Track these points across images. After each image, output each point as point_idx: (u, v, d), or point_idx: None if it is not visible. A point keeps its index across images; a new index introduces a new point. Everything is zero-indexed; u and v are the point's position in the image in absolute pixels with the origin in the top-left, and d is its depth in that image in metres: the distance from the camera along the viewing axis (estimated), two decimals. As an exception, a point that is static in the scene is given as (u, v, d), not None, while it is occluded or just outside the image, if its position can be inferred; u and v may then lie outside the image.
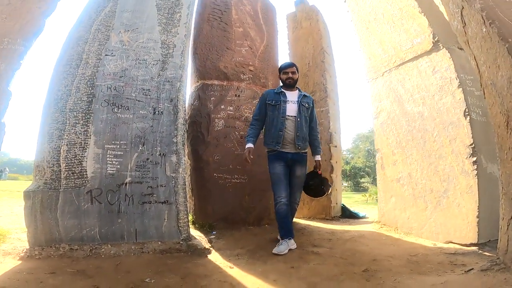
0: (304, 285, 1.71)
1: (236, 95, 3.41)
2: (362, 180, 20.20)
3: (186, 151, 3.03)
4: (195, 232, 2.65)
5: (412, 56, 2.76)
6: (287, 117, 2.48)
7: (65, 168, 2.09)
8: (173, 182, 2.35)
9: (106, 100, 2.33)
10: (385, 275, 1.80)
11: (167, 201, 2.29)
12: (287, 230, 2.36)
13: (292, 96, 2.57)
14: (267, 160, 2.53)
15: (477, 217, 2.15)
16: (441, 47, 2.55)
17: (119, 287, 1.54)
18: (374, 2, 3.11)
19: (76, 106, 2.25)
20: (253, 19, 3.69)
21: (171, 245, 2.17)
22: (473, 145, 2.25)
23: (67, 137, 2.16)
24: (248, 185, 3.15)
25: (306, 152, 2.56)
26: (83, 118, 2.23)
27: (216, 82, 3.40)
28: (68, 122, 2.20)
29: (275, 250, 2.21)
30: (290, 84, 2.58)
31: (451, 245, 2.31)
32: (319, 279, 1.79)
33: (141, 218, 2.20)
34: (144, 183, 2.26)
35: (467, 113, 2.32)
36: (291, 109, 2.51)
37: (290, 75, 2.58)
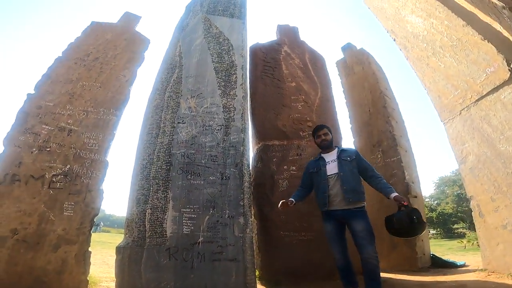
0: None
1: (297, 154, 3.69)
2: (455, 226, 19.08)
3: (253, 212, 3.24)
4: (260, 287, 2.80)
5: (490, 88, 2.75)
6: (328, 177, 2.63)
7: (149, 228, 2.58)
8: (241, 241, 2.64)
9: (181, 168, 2.88)
10: None
11: (235, 259, 2.61)
12: (347, 280, 2.46)
13: (330, 157, 2.74)
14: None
15: None
16: None
17: None
18: (428, 36, 3.30)
19: (157, 174, 2.83)
20: (303, 72, 4.13)
21: (239, 302, 2.30)
22: None
23: (151, 202, 2.70)
24: (316, 241, 3.26)
25: (361, 207, 2.49)
26: (163, 185, 2.79)
27: (276, 142, 3.77)
28: (151, 188, 2.77)
29: None
30: (326, 146, 2.79)
31: None
32: None
33: (211, 274, 2.55)
34: (215, 242, 2.64)
35: None
36: (332, 168, 2.66)
37: (323, 137, 2.79)
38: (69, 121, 2.67)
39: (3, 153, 2.35)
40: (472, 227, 17.35)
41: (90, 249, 2.48)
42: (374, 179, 2.58)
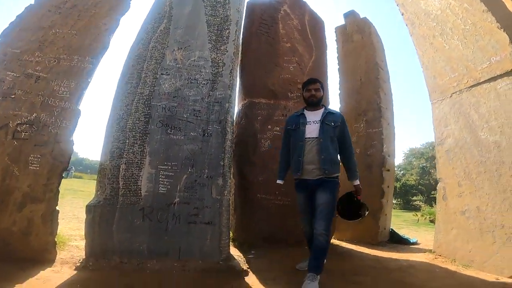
0: None
1: (283, 114, 3.52)
2: (414, 198, 19.60)
3: (232, 170, 3.18)
4: (234, 251, 2.84)
5: (489, 76, 2.58)
6: (306, 140, 2.34)
7: (123, 186, 2.41)
8: (218, 204, 2.55)
9: (161, 121, 2.61)
10: None
11: (211, 222, 2.51)
12: (313, 264, 2.15)
13: (314, 116, 2.41)
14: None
15: None
16: None
17: None
18: (441, 16, 2.98)
19: (134, 126, 2.55)
20: (300, 34, 3.79)
21: (211, 265, 2.39)
22: None
23: (126, 156, 2.47)
24: (291, 207, 3.25)
25: (334, 178, 2.32)
26: (140, 138, 2.53)
27: (263, 100, 3.54)
28: (127, 141, 2.51)
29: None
30: (313, 103, 2.44)
31: None
32: None
33: (186, 237, 2.45)
34: (191, 204, 2.50)
35: (557, 147, 2.04)
36: (312, 130, 2.35)
37: (313, 92, 2.43)
38: (37, 68, 2.27)
39: None
40: (428, 201, 18.52)
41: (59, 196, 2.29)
42: (347, 154, 2.39)
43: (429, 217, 8.94)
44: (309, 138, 2.33)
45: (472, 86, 2.71)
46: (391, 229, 4.10)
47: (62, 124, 2.29)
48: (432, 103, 3.16)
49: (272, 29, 3.63)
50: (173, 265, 2.29)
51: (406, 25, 3.33)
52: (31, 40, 2.33)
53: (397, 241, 3.92)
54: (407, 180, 20.30)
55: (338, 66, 4.60)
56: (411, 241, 3.98)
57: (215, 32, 3.01)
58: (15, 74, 2.21)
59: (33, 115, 2.20)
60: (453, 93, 2.89)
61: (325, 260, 2.23)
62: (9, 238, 2.05)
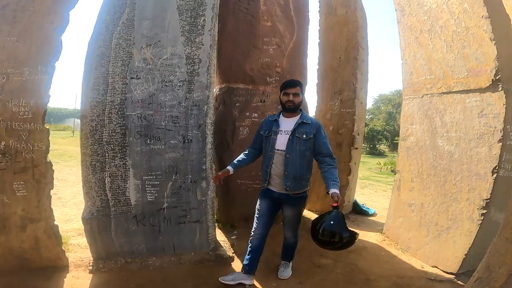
0: None
1: (261, 100, 3.43)
2: (380, 143, 20.27)
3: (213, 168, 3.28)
4: (218, 233, 3.15)
5: (462, 88, 2.54)
6: (275, 151, 2.18)
7: (112, 197, 2.44)
8: (203, 204, 2.73)
9: (139, 132, 2.49)
10: None
11: (199, 220, 2.72)
12: (250, 264, 2.26)
13: (287, 125, 2.20)
14: None
15: (465, 255, 2.51)
16: (500, 89, 2.31)
17: None
18: (434, 11, 2.66)
19: (111, 139, 2.42)
20: (283, 10, 3.36)
21: (202, 255, 2.71)
22: (489, 200, 2.40)
23: (108, 170, 2.42)
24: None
25: (301, 193, 2.24)
26: (120, 151, 2.44)
27: (241, 85, 3.40)
28: (107, 155, 2.41)
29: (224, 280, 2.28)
30: (290, 109, 2.20)
31: (435, 270, 2.73)
32: None
33: (178, 235, 2.67)
34: (179, 207, 2.64)
35: (495, 171, 2.35)
36: (282, 142, 2.17)
37: (291, 97, 2.15)
38: None
39: None
40: (392, 147, 19.29)
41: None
42: (325, 166, 2.12)
43: (391, 167, 9.89)
44: (278, 150, 2.17)
45: (443, 93, 2.69)
46: (354, 200, 4.56)
47: (34, 147, 2.13)
48: (403, 99, 3.16)
49: (252, 5, 3.15)
50: (171, 259, 2.58)
51: (395, 10, 3.04)
52: None
53: (358, 212, 4.43)
54: (375, 125, 20.62)
55: (318, 40, 4.25)
56: (370, 213, 4.48)
57: (188, 20, 2.58)
58: (-38, 100, 1.86)
59: (2, 144, 2.01)
60: (425, 94, 2.87)
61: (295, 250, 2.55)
62: (23, 254, 2.20)
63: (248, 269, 2.29)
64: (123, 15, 2.41)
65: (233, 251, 2.92)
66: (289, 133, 2.17)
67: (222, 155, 3.43)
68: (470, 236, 2.50)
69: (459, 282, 2.50)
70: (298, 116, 2.22)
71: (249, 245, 2.32)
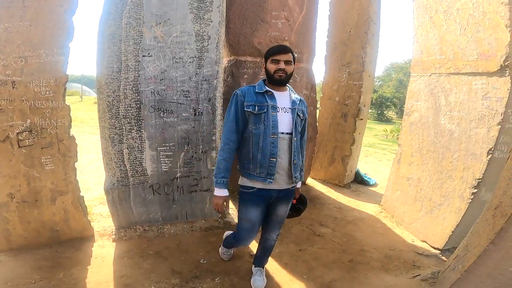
0: (305, 269, 2.44)
1: (269, 72, 3.46)
2: (388, 110, 20.11)
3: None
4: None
5: (470, 70, 2.56)
6: (280, 134, 1.67)
7: (130, 168, 2.68)
8: (213, 173, 2.96)
9: (152, 106, 2.64)
10: (362, 268, 2.49)
11: (209, 189, 2.97)
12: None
13: (283, 100, 1.72)
14: (239, 196, 1.87)
15: (452, 232, 2.69)
16: (507, 74, 2.34)
17: (186, 268, 2.38)
18: None
19: (128, 113, 2.59)
20: None
21: (212, 223, 3.01)
22: (481, 180, 2.52)
23: (126, 142, 2.63)
24: None
25: (294, 187, 1.90)
26: (136, 124, 2.62)
27: (249, 58, 3.44)
28: (124, 128, 2.60)
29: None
30: (281, 80, 1.68)
31: (424, 244, 2.92)
32: (316, 264, 2.51)
33: (190, 203, 2.95)
34: (191, 176, 2.88)
35: (491, 152, 2.47)
36: (285, 121, 1.69)
37: (283, 65, 1.64)
38: (7, 72, 2.02)
39: None
40: (400, 114, 18.92)
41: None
42: (303, 152, 1.84)
43: (397, 135, 9.84)
44: (283, 133, 1.67)
45: (451, 74, 2.71)
46: (357, 169, 4.71)
47: (58, 123, 2.31)
48: (411, 75, 3.18)
49: (261, -22, 3.08)
50: (183, 227, 2.87)
51: None
52: None
53: (360, 181, 4.59)
54: (384, 92, 20.36)
55: (328, 13, 4.12)
56: (371, 183, 4.64)
57: None
58: (-13, 84, 2.00)
59: (28, 122, 2.19)
60: (433, 73, 2.89)
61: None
62: (54, 226, 2.46)
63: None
64: None
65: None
66: (290, 111, 1.70)
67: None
68: (459, 213, 2.63)
69: (443, 258, 2.67)
70: (289, 90, 1.78)
71: (234, 243, 2.17)
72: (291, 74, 1.73)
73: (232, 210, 3.33)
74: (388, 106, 19.76)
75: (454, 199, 2.73)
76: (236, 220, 3.02)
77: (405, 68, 24.51)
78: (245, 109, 1.68)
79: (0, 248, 2.34)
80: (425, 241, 2.95)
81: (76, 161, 2.48)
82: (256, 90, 1.70)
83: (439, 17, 2.78)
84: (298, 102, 1.75)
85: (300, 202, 2.07)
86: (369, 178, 4.79)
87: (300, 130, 1.76)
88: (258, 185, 1.74)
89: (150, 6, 2.47)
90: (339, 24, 4.09)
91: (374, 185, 4.73)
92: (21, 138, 2.19)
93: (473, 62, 2.54)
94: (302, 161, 1.85)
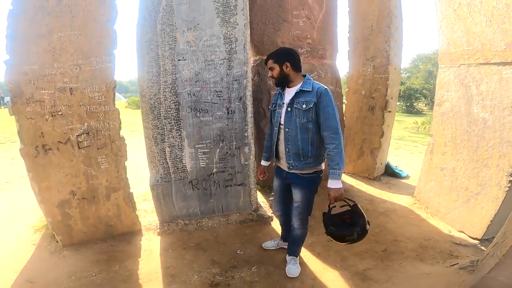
0: (338, 258, 2.52)
1: (293, 70, 3.59)
2: (417, 102, 19.50)
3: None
4: (259, 197, 3.55)
5: (499, 60, 2.58)
6: (280, 126, 2.03)
7: (172, 165, 2.93)
8: (246, 168, 3.14)
9: (189, 106, 2.88)
10: (396, 257, 2.52)
11: (243, 183, 3.16)
12: (285, 235, 2.51)
13: (288, 96, 1.99)
14: None
15: (491, 221, 2.66)
16: None
17: (224, 258, 2.52)
18: None
19: (168, 114, 2.84)
20: None
21: (246, 216, 3.18)
22: None
23: (167, 141, 2.87)
24: None
25: (311, 174, 2.00)
26: (176, 124, 2.86)
27: None
28: (165, 128, 2.85)
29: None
30: (276, 84, 2.06)
31: (461, 235, 2.90)
32: (348, 254, 2.58)
33: (225, 197, 3.15)
34: (226, 171, 3.08)
35: (525, 139, 2.46)
36: (282, 115, 2.02)
37: (270, 73, 2.02)
38: (65, 80, 2.31)
39: (20, 128, 2.21)
40: (431, 105, 18.23)
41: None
42: (326, 145, 1.86)
43: (429, 126, 9.41)
44: (281, 124, 2.01)
45: (481, 64, 2.73)
46: (387, 162, 4.69)
47: (110, 125, 2.60)
48: (439, 67, 3.20)
49: (279, -21, 3.24)
50: (220, 220, 3.07)
51: None
52: (40, 52, 2.25)
53: (391, 174, 4.55)
54: (412, 84, 19.77)
55: (348, 9, 4.20)
56: (403, 175, 4.59)
57: (221, 1, 2.80)
58: (49, 91, 2.32)
59: (85, 125, 2.49)
60: (462, 64, 2.91)
61: (302, 244, 2.34)
62: (109, 221, 2.74)
63: (285, 239, 2.57)
64: (162, 0, 2.65)
65: (271, 212, 3.34)
66: (286, 106, 1.96)
67: (259, 123, 3.76)
68: (496, 202, 2.61)
69: (482, 248, 2.64)
70: (299, 85, 1.95)
71: (280, 222, 2.49)
72: (280, 74, 1.97)
73: (264, 204, 3.49)
74: (418, 98, 19.16)
75: (491, 188, 2.70)
76: (267, 213, 3.23)
77: (433, 58, 23.64)
78: (270, 108, 2.22)
79: (64, 243, 2.63)
80: (462, 231, 2.93)
81: (126, 160, 2.76)
82: (277, 92, 2.15)
83: (463, 10, 2.82)
84: (295, 95, 1.93)
85: (354, 222, 1.91)
86: (401, 171, 4.73)
87: (308, 120, 1.88)
88: (276, 162, 2.23)
89: (180, 13, 2.70)
90: (360, 20, 4.18)
91: (406, 177, 4.67)
92: (80, 140, 2.49)
93: (502, 52, 2.56)
94: (311, 150, 1.93)
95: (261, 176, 2.41)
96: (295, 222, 2.16)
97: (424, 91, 19.26)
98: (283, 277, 2.30)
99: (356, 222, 1.90)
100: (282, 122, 2.01)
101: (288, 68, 1.95)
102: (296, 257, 2.37)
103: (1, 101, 19.76)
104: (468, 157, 2.95)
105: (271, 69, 2.00)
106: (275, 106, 2.11)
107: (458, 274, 2.22)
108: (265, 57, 3.57)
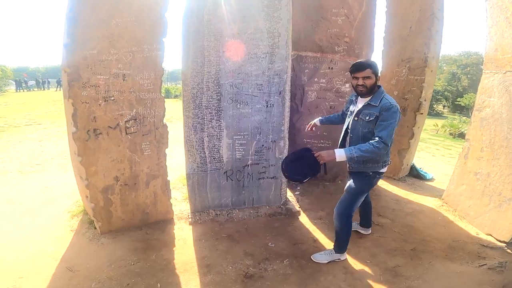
0: (367, 255, 2.59)
1: (329, 67, 3.68)
2: (437, 104, 19.29)
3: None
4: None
5: None
6: (348, 130, 2.31)
7: (208, 155, 3.01)
8: (280, 162, 3.19)
9: (231, 98, 2.95)
10: (426, 256, 2.58)
11: (275, 176, 3.23)
12: (362, 220, 2.81)
13: (358, 105, 2.23)
14: None
15: None
16: None
17: (256, 250, 2.58)
18: None
19: (209, 104, 2.91)
20: None
21: (275, 209, 3.25)
22: None
23: (207, 130, 2.96)
24: (331, 148, 3.87)
25: (364, 171, 2.22)
26: (216, 114, 2.94)
27: (310, 54, 3.64)
28: (205, 117, 2.93)
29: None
30: (363, 93, 2.13)
31: (489, 238, 2.94)
32: (378, 251, 2.65)
33: (257, 190, 3.23)
34: (260, 164, 3.16)
35: None
36: (350, 121, 2.29)
37: (361, 81, 2.07)
38: (119, 66, 2.38)
39: (75, 111, 2.28)
40: (452, 108, 17.86)
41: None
42: (371, 141, 2.01)
43: (449, 129, 9.32)
44: (348, 129, 2.30)
45: None
46: (413, 163, 4.72)
47: (155, 112, 2.68)
48: (484, 72, 3.22)
49: (321, -24, 3.24)
50: (250, 212, 3.15)
51: None
52: (99, 37, 2.32)
53: (415, 175, 4.59)
54: (434, 85, 19.37)
55: (386, 9, 4.18)
56: (428, 178, 4.62)
57: None
58: (104, 77, 2.40)
59: (134, 111, 2.57)
60: (508, 71, 2.92)
61: (345, 241, 2.42)
62: (146, 208, 2.83)
63: (361, 223, 2.86)
64: None
65: (299, 206, 3.42)
66: (354, 115, 2.22)
67: (292, 117, 3.83)
68: None
69: (509, 251, 2.71)
70: (370, 98, 2.12)
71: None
72: (373, 85, 2.09)
73: (292, 198, 3.55)
74: (439, 100, 18.99)
75: (525, 194, 2.72)
76: (296, 208, 3.31)
77: (458, 60, 23.07)
78: (347, 104, 2.46)
79: (102, 229, 2.71)
80: (490, 234, 2.98)
81: (167, 148, 2.84)
82: (351, 98, 2.39)
83: None
84: (364, 107, 2.13)
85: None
86: (425, 173, 4.77)
87: (370, 130, 2.09)
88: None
89: (227, 5, 2.75)
90: (398, 20, 4.19)
91: (431, 179, 4.70)
92: (128, 126, 2.59)
93: (549, 62, 2.52)
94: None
95: (309, 128, 2.73)
96: (337, 207, 2.34)
97: (446, 93, 19.05)
98: (316, 270, 2.38)
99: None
100: (349, 127, 2.26)
101: (378, 81, 2.13)
102: (334, 252, 2.47)
103: (24, 85, 19.95)
104: (505, 164, 2.96)
105: (366, 78, 2.06)
106: (347, 111, 2.40)
107: (488, 274, 2.31)
108: (301, 53, 3.64)
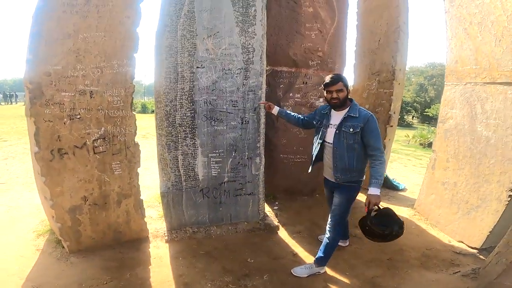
0: (346, 266, 2.62)
1: (303, 82, 3.76)
2: (408, 114, 20.15)
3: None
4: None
5: (506, 80, 2.77)
6: (326, 143, 2.38)
7: (183, 173, 2.94)
8: (256, 178, 3.20)
9: (205, 115, 2.91)
10: (402, 266, 2.66)
11: (252, 192, 3.21)
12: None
13: (336, 118, 2.31)
14: None
15: (490, 232, 2.85)
16: None
17: (236, 267, 2.53)
18: (487, 5, 2.83)
19: (183, 122, 2.86)
20: None
21: (254, 225, 3.23)
22: None
23: (181, 148, 2.89)
24: (306, 163, 3.88)
25: (352, 183, 2.33)
26: (190, 132, 2.89)
27: (285, 68, 3.71)
28: (179, 135, 2.87)
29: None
30: (336, 105, 2.27)
31: (460, 244, 3.07)
32: (356, 262, 2.69)
33: (234, 206, 3.19)
34: (237, 181, 3.13)
35: (527, 156, 2.63)
36: (330, 134, 2.32)
37: (335, 94, 2.22)
38: (86, 82, 2.29)
39: (37, 130, 2.15)
40: (422, 118, 18.66)
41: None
42: (372, 160, 2.19)
43: (419, 140, 9.80)
44: (328, 142, 2.35)
45: (487, 83, 2.92)
46: (386, 175, 4.85)
47: (126, 131, 2.59)
48: (445, 84, 3.41)
49: (294, -8, 3.35)
50: (228, 228, 3.10)
51: (444, 0, 3.15)
52: (64, 52, 2.22)
53: (389, 186, 4.76)
54: (404, 96, 20.32)
55: (356, 23, 4.38)
56: (400, 188, 4.81)
57: (240, 11, 2.87)
58: (69, 94, 2.29)
59: (102, 130, 2.47)
60: (468, 82, 3.10)
61: (332, 252, 2.44)
62: (118, 227, 2.71)
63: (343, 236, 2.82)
64: (184, 6, 2.68)
65: (277, 221, 3.42)
66: (335, 127, 2.27)
67: (268, 133, 3.83)
68: (496, 215, 2.81)
69: (481, 256, 2.83)
70: (346, 110, 2.26)
71: None
72: (345, 97, 2.25)
73: (270, 213, 3.54)
74: (408, 111, 19.77)
75: (491, 202, 2.90)
76: (274, 223, 3.29)
77: (425, 71, 24.39)
78: (315, 117, 2.52)
79: (71, 249, 2.58)
80: (461, 241, 3.13)
81: (139, 167, 2.76)
82: (322, 112, 2.46)
83: (473, 29, 3.01)
84: (344, 119, 2.24)
85: (379, 220, 2.15)
86: (398, 183, 4.93)
87: (355, 141, 2.21)
88: (323, 173, 2.55)
89: (202, 20, 2.75)
90: (368, 34, 4.37)
91: (403, 190, 4.87)
92: (96, 145, 2.48)
93: (509, 72, 2.75)
94: (372, 164, 2.21)
95: (266, 106, 2.84)
96: (328, 224, 2.40)
97: (415, 104, 19.92)
98: (297, 284, 2.37)
99: (387, 224, 2.17)
100: (329, 141, 2.33)
101: (349, 94, 2.29)
102: (317, 265, 2.48)
103: (8, 98, 18.42)
104: (470, 173, 3.12)
105: (339, 91, 2.21)
106: (320, 124, 2.44)
107: (463, 281, 2.40)
108: (276, 68, 3.70)
